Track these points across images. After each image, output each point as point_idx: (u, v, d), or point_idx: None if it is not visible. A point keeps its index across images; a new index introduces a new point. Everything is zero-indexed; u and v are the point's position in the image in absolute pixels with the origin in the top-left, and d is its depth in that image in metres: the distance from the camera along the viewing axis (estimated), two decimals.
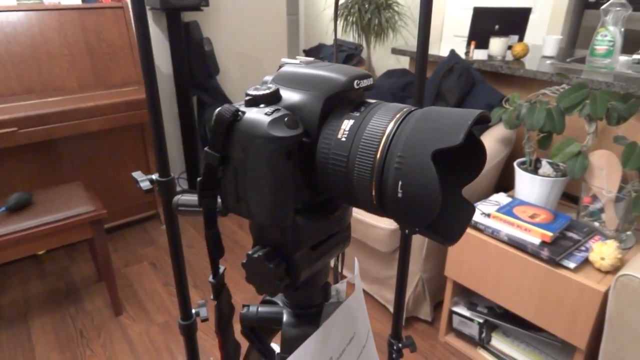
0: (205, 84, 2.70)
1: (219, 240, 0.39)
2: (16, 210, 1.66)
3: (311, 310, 0.44)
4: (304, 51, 4.18)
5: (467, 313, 1.65)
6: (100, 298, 1.96)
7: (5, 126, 1.83)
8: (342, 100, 0.34)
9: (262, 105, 0.33)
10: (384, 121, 0.31)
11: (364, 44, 3.65)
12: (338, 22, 3.69)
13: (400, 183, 0.28)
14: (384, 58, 3.80)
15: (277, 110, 0.32)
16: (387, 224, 1.69)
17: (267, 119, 0.31)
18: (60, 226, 1.63)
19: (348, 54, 3.52)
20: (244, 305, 0.46)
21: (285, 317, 0.44)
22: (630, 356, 1.14)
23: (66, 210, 1.67)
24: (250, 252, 0.37)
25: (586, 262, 1.33)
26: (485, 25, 2.15)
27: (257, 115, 0.32)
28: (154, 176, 0.74)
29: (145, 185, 0.73)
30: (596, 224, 1.46)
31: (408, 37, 3.84)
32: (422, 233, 0.31)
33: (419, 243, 1.65)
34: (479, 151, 0.33)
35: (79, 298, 1.96)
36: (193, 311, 0.88)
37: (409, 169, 0.28)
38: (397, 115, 0.31)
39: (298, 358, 0.39)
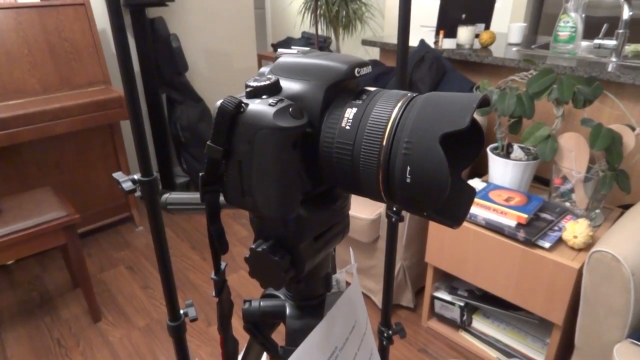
0: (174, 81, 2.64)
1: (222, 236, 0.38)
2: None
3: (314, 301, 0.44)
4: (273, 45, 4.15)
5: (448, 297, 1.69)
6: (76, 305, 1.90)
7: None
8: (343, 89, 0.34)
9: (264, 97, 0.33)
10: (388, 108, 0.31)
11: (333, 37, 3.65)
12: (306, 15, 3.68)
13: (408, 168, 0.29)
14: (353, 50, 3.81)
15: (280, 100, 0.32)
16: (366, 215, 1.70)
17: (272, 109, 0.31)
18: (31, 233, 1.57)
19: (318, 47, 3.51)
20: (245, 301, 0.45)
21: (288, 310, 0.44)
22: (606, 328, 1.19)
23: (37, 216, 1.61)
24: (253, 246, 0.37)
25: (560, 241, 1.38)
26: (452, 14, 2.18)
27: (261, 106, 0.32)
28: (136, 176, 0.72)
29: (127, 185, 0.71)
30: (567, 204, 1.52)
31: (376, 29, 3.87)
32: (429, 217, 0.31)
33: (399, 232, 1.67)
34: (477, 134, 0.34)
35: (54, 307, 1.90)
36: (181, 312, 0.86)
37: (417, 154, 0.28)
38: (401, 102, 0.31)
39: (305, 350, 0.39)
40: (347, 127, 0.32)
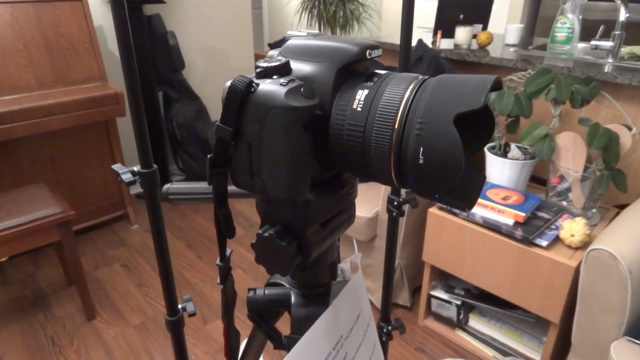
0: (171, 79, 2.63)
1: (230, 220, 0.37)
2: None
3: (319, 289, 0.44)
4: (269, 44, 4.14)
5: (444, 296, 1.69)
6: (70, 303, 1.88)
7: None
8: (354, 71, 0.34)
9: (275, 77, 0.32)
10: (400, 89, 0.31)
11: None
12: (303, 15, 3.68)
13: (421, 149, 0.28)
14: None
15: (292, 80, 0.31)
16: (364, 213, 1.70)
17: (284, 89, 0.31)
18: (26, 230, 1.55)
19: None
20: (250, 289, 0.45)
21: (293, 298, 0.43)
22: (602, 326, 1.19)
23: (31, 212, 1.59)
24: (260, 232, 0.36)
25: (557, 239, 1.39)
26: (450, 14, 2.19)
27: (273, 86, 0.31)
28: (136, 168, 0.71)
29: (127, 177, 0.70)
30: (564, 203, 1.52)
31: (373, 29, 3.87)
32: (441, 199, 0.31)
33: None
34: (487, 118, 0.34)
35: (48, 304, 1.88)
36: (179, 306, 0.85)
37: (431, 135, 0.28)
38: (413, 84, 0.31)
39: (311, 338, 0.39)
40: (359, 109, 0.31)
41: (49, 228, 1.60)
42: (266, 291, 0.45)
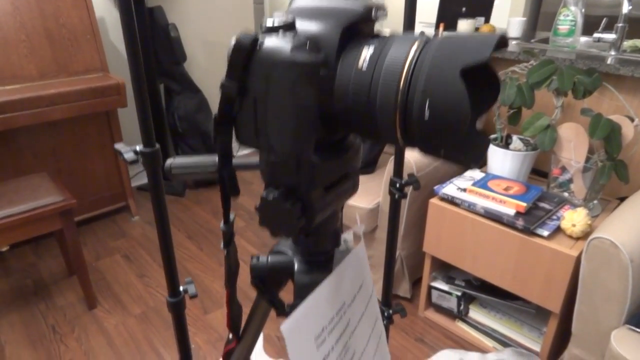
0: (173, 71, 2.63)
1: (234, 179, 0.37)
2: None
3: (322, 257, 0.44)
4: None
5: (445, 287, 1.69)
6: (71, 293, 1.89)
7: None
8: (359, 31, 0.34)
9: (280, 33, 0.32)
10: (406, 47, 0.31)
11: None
12: None
13: (427, 103, 0.28)
14: None
15: (297, 36, 0.31)
16: (365, 204, 1.70)
17: (289, 44, 0.31)
18: (27, 217, 1.55)
19: None
20: (252, 257, 0.45)
21: (297, 265, 0.43)
22: (603, 314, 1.19)
23: (33, 201, 1.59)
24: (264, 194, 0.36)
25: (558, 230, 1.39)
26: (452, 7, 2.18)
27: (279, 41, 0.31)
28: (138, 147, 0.71)
29: (129, 156, 0.70)
30: (565, 194, 1.52)
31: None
32: (447, 156, 0.31)
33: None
34: (492, 82, 0.34)
35: (49, 294, 1.88)
36: (181, 288, 0.86)
37: (437, 88, 0.28)
38: (418, 41, 0.31)
39: (314, 301, 0.39)
40: (364, 68, 0.31)
41: (51, 216, 1.61)
42: (269, 258, 0.45)
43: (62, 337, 1.66)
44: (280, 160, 0.35)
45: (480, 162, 0.32)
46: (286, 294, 0.47)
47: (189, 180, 2.83)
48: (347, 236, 0.46)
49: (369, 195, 1.76)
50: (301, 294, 0.41)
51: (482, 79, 0.33)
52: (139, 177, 2.78)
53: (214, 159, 0.52)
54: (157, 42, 2.52)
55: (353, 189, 0.43)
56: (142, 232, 2.32)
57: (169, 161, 0.55)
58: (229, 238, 0.41)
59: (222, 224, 0.40)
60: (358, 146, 0.40)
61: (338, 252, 0.44)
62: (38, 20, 2.01)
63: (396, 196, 0.77)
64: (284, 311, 0.44)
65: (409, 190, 0.80)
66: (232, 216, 0.41)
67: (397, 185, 0.76)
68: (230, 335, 0.54)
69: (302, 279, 0.42)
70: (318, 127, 0.34)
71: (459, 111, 0.27)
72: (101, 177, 2.37)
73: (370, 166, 1.96)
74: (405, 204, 1.62)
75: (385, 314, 0.88)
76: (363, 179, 1.92)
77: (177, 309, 0.85)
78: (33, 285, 1.94)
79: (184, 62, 2.68)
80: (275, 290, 0.46)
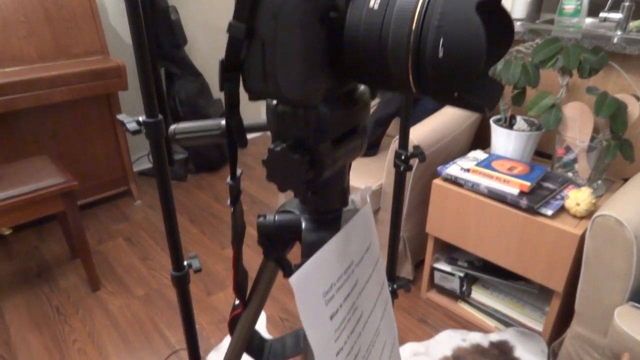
0: (173, 55, 2.60)
1: (242, 128, 0.37)
2: None
3: (330, 215, 0.43)
4: None
5: (447, 268, 1.69)
6: (75, 275, 1.89)
7: None
8: None
9: None
10: None
11: None
12: None
13: (442, 41, 0.28)
14: None
15: None
16: (367, 185, 1.69)
17: None
18: (29, 199, 1.55)
19: None
20: (259, 215, 0.44)
21: (304, 224, 0.43)
22: (606, 292, 1.19)
23: (35, 182, 1.59)
24: (271, 146, 0.36)
25: (562, 209, 1.38)
26: None
27: None
28: (141, 118, 0.70)
29: (132, 126, 0.69)
30: (570, 174, 1.52)
31: None
32: (460, 99, 0.30)
33: None
34: (505, 28, 0.33)
35: (52, 276, 1.89)
36: (185, 262, 0.85)
37: (452, 24, 0.27)
38: None
39: (323, 256, 0.38)
40: (375, 7, 0.30)
41: (53, 198, 1.60)
42: (277, 217, 0.44)
43: (67, 318, 1.67)
44: (289, 110, 0.34)
45: (493, 107, 0.31)
46: (293, 258, 0.47)
47: (191, 166, 2.83)
48: (354, 197, 0.46)
49: (371, 176, 1.75)
50: (309, 252, 0.40)
51: (494, 22, 0.32)
52: (141, 162, 2.78)
53: (218, 122, 0.51)
54: (158, 24, 2.49)
55: (361, 148, 0.42)
56: (145, 216, 2.32)
57: (173, 127, 0.54)
58: (235, 194, 0.40)
59: (228, 179, 0.40)
60: (367, 100, 0.39)
61: (345, 211, 0.44)
62: (37, 2, 1.99)
63: (401, 168, 0.76)
64: (292, 272, 0.44)
65: (414, 163, 0.79)
66: (239, 172, 0.40)
67: (402, 157, 0.76)
68: (237, 301, 0.54)
69: (309, 237, 0.42)
70: (327, 74, 0.33)
71: (474, 47, 0.26)
72: (103, 161, 2.36)
73: (373, 148, 1.95)
74: (408, 185, 1.61)
75: (390, 288, 0.88)
76: (365, 160, 1.91)
77: (181, 282, 0.84)
78: (36, 268, 1.94)
79: (184, 45, 2.65)
80: (282, 251, 0.45)
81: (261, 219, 0.44)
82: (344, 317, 0.40)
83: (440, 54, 0.28)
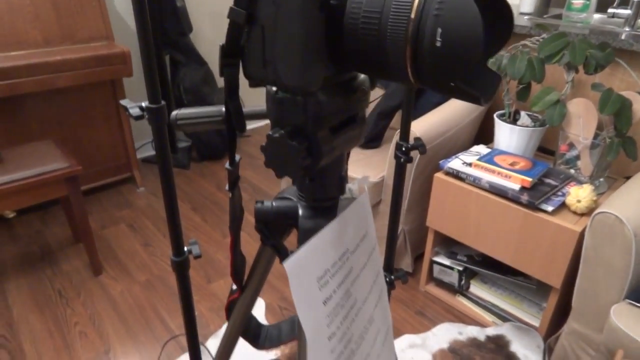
0: (178, 42, 2.60)
1: (241, 113, 0.37)
2: None
3: (327, 202, 0.44)
4: None
5: (447, 262, 1.70)
6: (77, 259, 1.91)
7: None
8: None
9: None
10: None
11: None
12: None
13: (439, 31, 0.28)
14: None
15: None
16: (370, 178, 1.70)
17: None
18: (33, 182, 1.56)
19: None
20: (257, 201, 0.45)
21: (301, 211, 0.43)
22: (604, 289, 1.20)
23: (39, 166, 1.60)
24: (270, 133, 0.36)
25: (563, 206, 1.38)
26: None
27: None
28: (144, 103, 0.71)
29: (135, 112, 0.69)
30: (572, 171, 1.51)
31: None
32: (457, 89, 0.30)
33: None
34: (504, 20, 0.33)
35: (55, 260, 1.91)
36: (185, 248, 0.86)
37: (450, 13, 0.27)
38: None
39: (318, 242, 0.39)
40: None
41: (57, 182, 1.62)
42: (274, 203, 0.45)
43: (69, 301, 1.69)
44: (288, 97, 0.35)
45: (490, 98, 0.32)
46: (290, 246, 0.48)
47: (194, 154, 2.84)
48: (352, 186, 0.46)
49: (373, 168, 1.75)
50: (305, 238, 0.41)
51: (494, 12, 0.32)
52: (145, 149, 2.79)
53: (220, 108, 0.52)
54: (163, 11, 2.49)
55: (359, 137, 0.43)
56: (147, 203, 2.34)
57: (174, 113, 0.54)
58: (234, 179, 0.41)
59: (227, 165, 0.40)
60: (366, 89, 0.39)
61: (342, 199, 0.44)
62: None
63: (402, 160, 0.77)
64: (288, 257, 0.45)
65: (415, 157, 0.80)
66: (237, 158, 0.40)
67: (403, 148, 0.76)
68: (234, 286, 0.55)
69: (305, 223, 0.42)
70: (327, 61, 0.33)
71: (471, 36, 0.27)
72: (107, 148, 2.37)
73: (376, 140, 1.95)
74: (409, 179, 1.62)
75: (387, 279, 0.88)
76: (368, 153, 1.91)
77: (181, 268, 0.85)
78: (39, 252, 1.96)
79: (189, 33, 2.65)
80: (279, 237, 0.46)
81: (259, 204, 0.44)
82: (337, 302, 0.41)
83: (438, 43, 0.28)
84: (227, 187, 0.42)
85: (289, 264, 0.35)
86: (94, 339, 1.53)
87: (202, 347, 1.50)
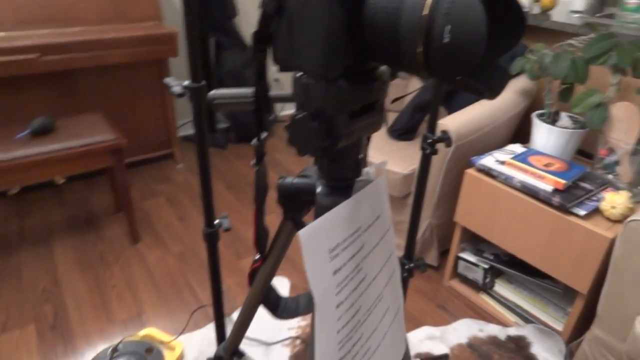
0: (224, 26, 2.67)
1: (267, 96, 0.41)
2: (39, 134, 1.71)
3: (344, 183, 0.47)
4: None
5: (473, 259, 1.70)
6: (118, 227, 2.03)
7: (28, 52, 1.84)
8: None
9: None
10: None
11: None
12: None
13: (449, 27, 0.30)
14: None
15: None
16: (400, 169, 1.71)
17: None
18: (81, 152, 1.67)
19: None
20: (280, 177, 0.49)
21: (319, 189, 0.47)
22: (631, 297, 1.18)
23: (88, 137, 1.71)
24: (294, 114, 0.40)
25: (596, 211, 1.35)
26: None
27: None
28: (186, 82, 0.76)
29: (177, 89, 0.75)
30: (610, 176, 1.47)
31: None
32: (464, 82, 0.33)
33: (431, 188, 1.67)
34: (517, 18, 0.35)
35: (98, 226, 2.04)
36: (216, 221, 0.92)
37: (458, 12, 0.30)
38: None
39: (331, 217, 0.42)
40: None
41: (103, 153, 1.72)
42: (294, 180, 0.48)
43: (108, 265, 1.81)
44: (312, 82, 0.38)
45: (496, 94, 0.34)
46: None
47: (232, 135, 2.92)
48: (369, 169, 0.49)
49: (405, 161, 1.77)
50: (320, 214, 0.44)
51: (504, 13, 0.34)
52: (185, 128, 2.90)
53: (251, 90, 0.56)
54: None
55: (377, 124, 0.46)
56: (185, 179, 2.44)
57: (212, 92, 0.59)
58: (260, 155, 0.45)
59: (254, 140, 0.44)
60: (386, 79, 0.42)
61: (359, 181, 0.48)
62: None
63: (427, 152, 0.79)
64: None
65: (448, 152, 0.81)
66: (264, 135, 0.44)
67: (429, 140, 0.78)
68: (257, 256, 0.59)
69: (322, 200, 0.46)
70: (347, 52, 0.37)
71: (475, 35, 0.29)
72: (150, 124, 2.49)
73: (410, 133, 1.95)
74: (441, 173, 1.62)
75: (406, 267, 0.91)
76: (401, 145, 1.92)
77: (211, 239, 0.91)
78: (84, 217, 2.10)
79: (234, 17, 2.71)
80: (298, 212, 0.50)
81: (281, 180, 0.48)
82: (346, 275, 0.44)
83: (447, 40, 0.31)
84: (253, 162, 0.46)
85: (303, 233, 0.39)
86: (129, 301, 1.64)
87: (227, 319, 1.57)
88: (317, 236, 0.40)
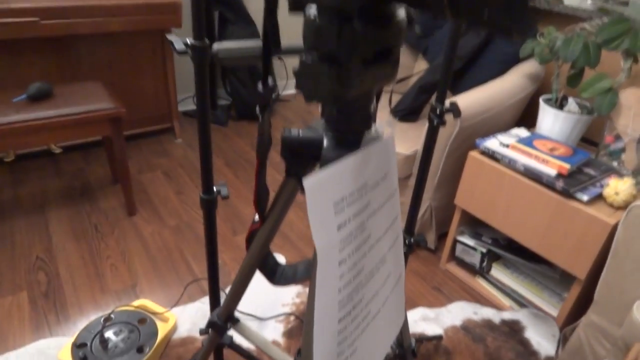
0: (229, 0, 2.61)
1: (277, 31, 0.38)
2: (36, 100, 1.67)
3: (351, 136, 0.45)
4: None
5: (471, 242, 1.69)
6: (114, 199, 2.01)
7: (27, 15, 1.80)
8: None
9: None
10: None
11: None
12: None
13: None
14: None
15: None
16: (402, 150, 1.69)
17: None
18: (79, 119, 1.64)
19: None
20: (285, 129, 0.47)
21: (325, 141, 0.45)
22: (630, 284, 1.17)
23: (86, 104, 1.68)
24: (303, 57, 0.37)
25: (599, 197, 1.34)
26: None
27: None
28: (189, 40, 0.73)
29: (179, 47, 0.72)
30: (615, 163, 1.46)
31: None
32: (491, 19, 0.30)
33: (433, 170, 1.65)
34: None
35: (94, 197, 2.01)
36: (214, 188, 0.90)
37: None
38: None
39: (338, 169, 0.40)
40: None
41: (101, 121, 1.69)
42: (301, 132, 0.46)
43: (103, 236, 1.79)
44: (325, 23, 0.35)
45: (524, 35, 0.31)
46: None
47: (233, 113, 2.88)
48: (379, 126, 0.47)
49: (408, 142, 1.74)
50: None
51: None
52: (186, 103, 2.86)
53: (258, 43, 0.53)
54: None
55: (391, 76, 0.43)
56: (184, 154, 2.41)
57: (216, 46, 0.56)
58: (265, 103, 0.42)
59: (259, 86, 0.42)
60: (402, 25, 0.40)
61: (367, 136, 0.45)
62: None
63: (435, 122, 0.76)
64: None
65: (451, 134, 0.79)
66: (271, 81, 0.42)
67: (437, 111, 0.75)
68: (256, 218, 0.57)
69: (329, 154, 0.43)
70: None
71: None
72: (150, 97, 2.45)
73: (414, 114, 1.93)
74: (443, 154, 1.60)
75: (407, 241, 0.89)
76: (404, 126, 1.90)
77: (209, 205, 0.89)
78: (80, 188, 2.07)
79: None
80: (302, 168, 0.47)
81: (286, 132, 0.46)
82: (350, 232, 0.42)
83: None
84: (257, 110, 0.43)
85: (308, 182, 0.37)
86: (123, 272, 1.63)
87: (222, 293, 1.56)
88: (322, 187, 0.38)
